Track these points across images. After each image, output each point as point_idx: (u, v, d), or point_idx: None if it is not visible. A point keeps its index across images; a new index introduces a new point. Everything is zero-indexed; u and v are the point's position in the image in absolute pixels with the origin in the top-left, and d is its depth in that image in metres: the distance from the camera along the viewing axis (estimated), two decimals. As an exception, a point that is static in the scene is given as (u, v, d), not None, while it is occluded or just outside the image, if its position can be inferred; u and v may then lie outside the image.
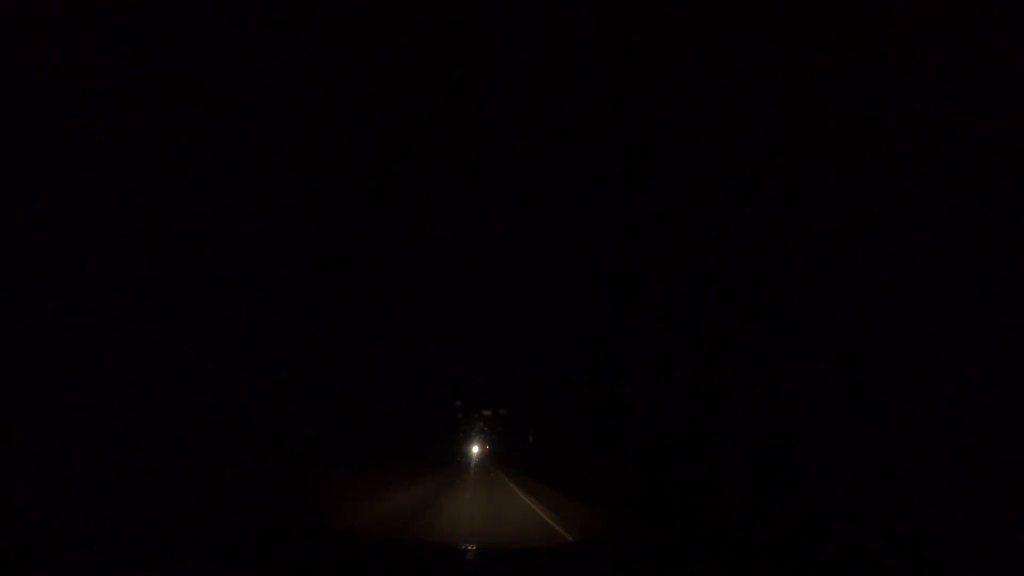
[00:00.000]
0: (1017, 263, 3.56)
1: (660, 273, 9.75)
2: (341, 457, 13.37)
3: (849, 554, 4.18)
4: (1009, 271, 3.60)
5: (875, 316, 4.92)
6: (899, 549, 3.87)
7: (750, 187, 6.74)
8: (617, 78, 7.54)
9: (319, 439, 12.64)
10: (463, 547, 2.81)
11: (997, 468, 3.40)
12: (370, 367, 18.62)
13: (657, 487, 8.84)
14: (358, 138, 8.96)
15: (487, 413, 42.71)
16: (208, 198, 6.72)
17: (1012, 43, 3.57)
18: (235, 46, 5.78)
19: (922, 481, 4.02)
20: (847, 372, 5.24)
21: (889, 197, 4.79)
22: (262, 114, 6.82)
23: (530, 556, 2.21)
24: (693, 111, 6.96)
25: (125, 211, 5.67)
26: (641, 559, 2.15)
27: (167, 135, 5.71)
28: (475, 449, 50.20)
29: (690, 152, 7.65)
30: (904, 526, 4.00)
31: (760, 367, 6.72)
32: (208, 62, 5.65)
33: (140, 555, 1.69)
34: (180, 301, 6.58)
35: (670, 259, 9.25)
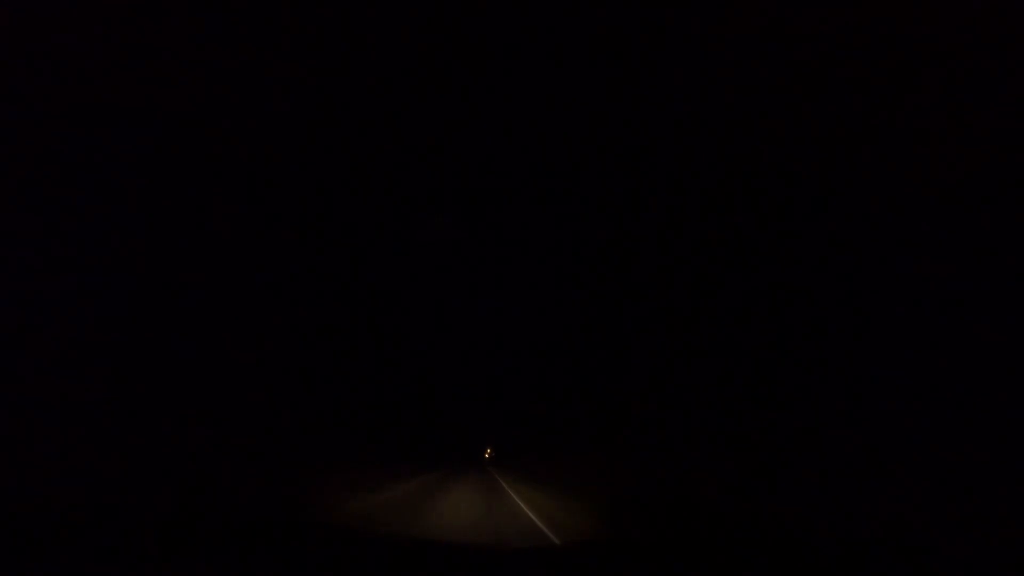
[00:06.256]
0: (1009, 268, 3.57)
1: (658, 274, 9.76)
2: (337, 456, 13.36)
3: (835, 554, 4.17)
4: (995, 281, 3.60)
5: (870, 317, 4.92)
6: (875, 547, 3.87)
7: (747, 188, 6.76)
8: (617, 79, 7.56)
9: (316, 440, 12.62)
10: (450, 546, 2.78)
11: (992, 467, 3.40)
12: (370, 369, 18.52)
13: (655, 486, 8.85)
14: (359, 139, 8.97)
15: (487, 414, 42.72)
16: (208, 199, 6.71)
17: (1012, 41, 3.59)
18: (236, 47, 5.78)
19: (906, 481, 4.01)
20: (832, 373, 5.24)
21: (886, 198, 4.80)
22: (263, 115, 6.83)
23: (517, 558, 2.19)
24: (693, 112, 6.98)
25: (124, 210, 5.66)
26: (629, 560, 2.13)
27: (168, 136, 5.71)
28: (477, 452, 50.18)
29: (690, 153, 7.66)
30: (880, 525, 3.99)
31: (756, 373, 6.73)
32: (209, 63, 5.65)
33: (133, 554, 1.68)
34: (180, 302, 6.57)
35: (669, 260, 9.26)
